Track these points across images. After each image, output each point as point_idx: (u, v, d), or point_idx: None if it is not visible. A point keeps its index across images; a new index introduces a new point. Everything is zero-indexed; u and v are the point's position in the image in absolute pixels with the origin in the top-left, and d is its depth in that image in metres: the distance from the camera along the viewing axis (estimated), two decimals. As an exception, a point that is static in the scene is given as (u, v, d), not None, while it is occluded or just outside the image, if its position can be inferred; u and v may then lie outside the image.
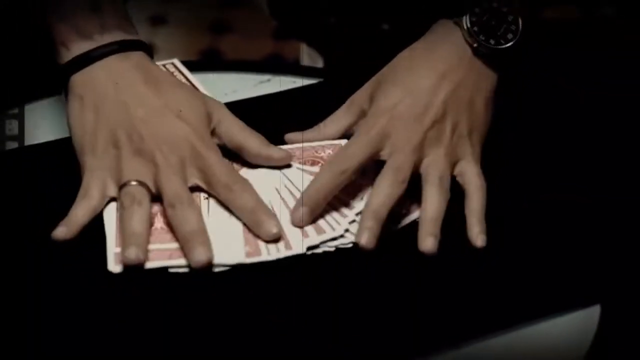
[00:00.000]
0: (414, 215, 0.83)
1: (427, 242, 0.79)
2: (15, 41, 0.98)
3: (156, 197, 0.81)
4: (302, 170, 0.86)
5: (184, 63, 0.97)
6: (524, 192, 0.85)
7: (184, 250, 0.78)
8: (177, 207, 0.79)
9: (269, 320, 0.75)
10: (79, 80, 0.85)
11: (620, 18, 1.25)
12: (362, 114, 0.88)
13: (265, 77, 0.99)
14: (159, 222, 0.81)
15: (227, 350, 0.73)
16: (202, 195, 0.83)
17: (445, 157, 0.84)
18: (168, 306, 0.76)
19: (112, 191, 0.81)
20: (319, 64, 1.23)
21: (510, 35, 0.87)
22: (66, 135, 0.86)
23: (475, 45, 0.87)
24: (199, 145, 0.82)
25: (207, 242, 0.78)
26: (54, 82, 0.87)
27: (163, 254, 0.78)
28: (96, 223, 0.81)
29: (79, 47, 0.85)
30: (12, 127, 0.92)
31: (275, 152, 0.86)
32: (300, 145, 0.88)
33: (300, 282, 0.78)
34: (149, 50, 0.88)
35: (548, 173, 0.89)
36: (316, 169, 0.86)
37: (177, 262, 0.78)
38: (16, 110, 0.94)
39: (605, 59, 1.04)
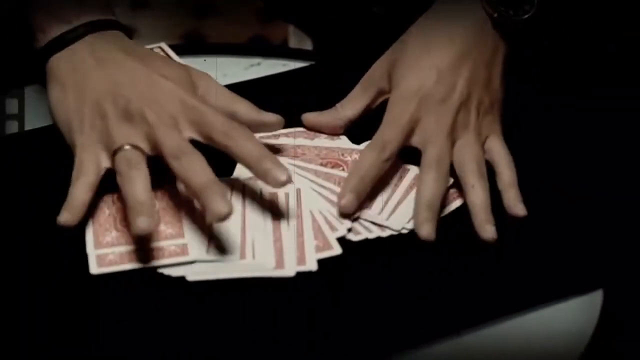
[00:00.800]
0: (455, 203, 0.82)
1: (487, 229, 0.78)
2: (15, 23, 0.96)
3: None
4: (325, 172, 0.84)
5: (172, 47, 0.95)
6: (527, 179, 0.83)
7: (201, 202, 0.74)
8: (181, 158, 0.76)
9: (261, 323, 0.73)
10: (57, 63, 0.83)
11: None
12: (380, 93, 0.87)
13: (256, 60, 0.97)
14: None
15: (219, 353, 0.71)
16: None
17: (476, 139, 0.83)
18: (158, 309, 0.74)
19: (106, 162, 0.78)
20: (307, 45, 1.21)
21: (527, 6, 0.86)
22: None
23: (495, 15, 0.85)
24: (188, 99, 0.80)
25: (223, 193, 0.74)
26: (34, 71, 0.85)
27: (145, 253, 0.76)
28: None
29: (55, 30, 0.84)
30: (12, 106, 0.91)
31: (267, 116, 0.84)
32: (325, 145, 0.86)
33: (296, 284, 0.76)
34: (127, 31, 0.87)
35: (551, 162, 0.87)
36: (339, 172, 0.84)
37: (164, 262, 0.75)
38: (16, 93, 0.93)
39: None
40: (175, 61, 0.87)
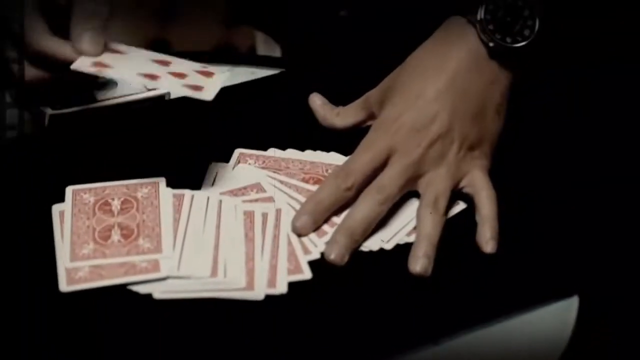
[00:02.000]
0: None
1: (419, 263, 0.76)
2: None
3: (115, 208, 0.78)
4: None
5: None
6: (503, 186, 0.83)
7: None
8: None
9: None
10: None
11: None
12: (370, 117, 0.86)
13: (224, 67, 0.96)
14: (115, 235, 0.77)
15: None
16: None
17: (446, 175, 0.80)
18: (126, 325, 0.72)
19: None
20: (276, 52, 1.20)
21: (527, 32, 0.82)
22: None
23: (491, 44, 0.82)
24: None
25: None
26: None
27: (119, 269, 0.75)
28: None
29: None
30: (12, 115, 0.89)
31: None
32: (310, 160, 0.85)
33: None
34: None
35: (528, 170, 0.86)
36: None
37: (134, 279, 0.74)
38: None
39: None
40: None
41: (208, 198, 0.80)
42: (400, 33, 1.03)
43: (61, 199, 0.79)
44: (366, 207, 0.78)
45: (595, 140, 0.90)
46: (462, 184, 0.82)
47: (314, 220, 0.78)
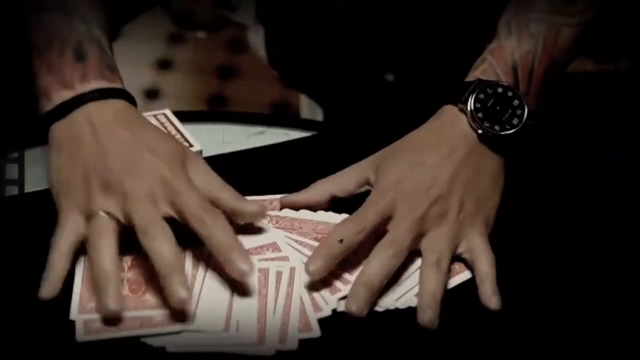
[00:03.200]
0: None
1: (426, 314, 0.78)
2: (16, 84, 0.98)
3: (125, 262, 0.80)
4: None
5: (178, 114, 0.96)
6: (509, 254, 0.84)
7: (162, 284, 0.76)
8: (149, 234, 0.77)
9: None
10: (58, 129, 0.84)
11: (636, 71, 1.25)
12: (365, 182, 0.87)
13: (259, 128, 0.98)
14: (124, 290, 0.78)
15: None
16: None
17: (446, 236, 0.82)
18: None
19: (85, 228, 0.80)
20: (319, 115, 1.22)
21: (515, 120, 0.86)
22: None
23: (480, 131, 0.85)
24: (169, 176, 0.80)
25: (183, 281, 0.76)
26: (39, 135, 0.86)
27: (134, 322, 0.76)
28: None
29: (60, 97, 0.84)
30: (12, 171, 0.92)
31: (248, 205, 0.83)
32: (322, 220, 0.86)
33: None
34: (132, 99, 0.88)
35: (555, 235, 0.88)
36: None
37: (149, 331, 0.76)
38: (16, 155, 0.93)
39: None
40: (171, 138, 0.87)
41: None
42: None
43: None
44: (380, 261, 0.80)
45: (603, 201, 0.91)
46: (460, 249, 0.83)
47: (327, 265, 0.80)
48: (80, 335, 0.75)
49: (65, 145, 0.83)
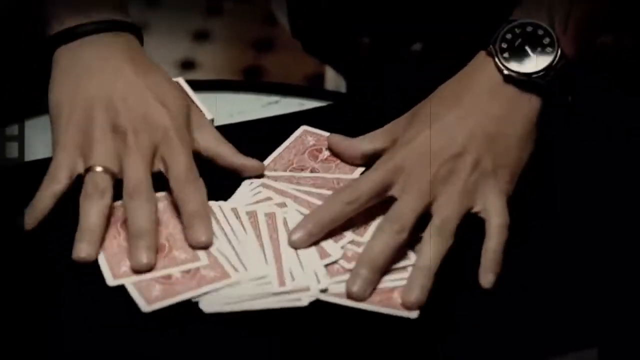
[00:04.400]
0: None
1: (413, 293, 0.75)
2: (15, 55, 0.99)
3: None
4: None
5: (191, 82, 0.95)
6: (527, 232, 0.81)
7: (130, 246, 0.77)
8: (134, 198, 0.79)
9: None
10: (65, 53, 0.85)
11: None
12: (393, 142, 0.85)
13: (274, 98, 0.97)
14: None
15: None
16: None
17: (458, 196, 0.79)
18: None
19: (81, 168, 0.81)
20: (343, 88, 1.21)
21: (545, 60, 0.81)
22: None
23: (505, 72, 0.81)
24: (170, 132, 0.82)
25: (150, 246, 0.77)
26: (41, 56, 0.87)
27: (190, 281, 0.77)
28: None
29: (71, 20, 0.85)
30: (11, 149, 0.91)
31: (248, 161, 0.85)
32: (316, 175, 0.86)
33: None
34: (140, 35, 0.88)
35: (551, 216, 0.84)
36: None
37: (207, 288, 0.76)
38: (16, 128, 0.93)
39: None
40: (178, 89, 0.88)
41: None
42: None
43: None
44: (384, 238, 0.77)
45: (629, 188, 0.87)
46: (476, 208, 0.80)
47: (310, 234, 0.79)
48: (144, 305, 0.75)
49: (70, 69, 0.84)
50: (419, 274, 0.76)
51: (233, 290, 0.76)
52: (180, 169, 0.81)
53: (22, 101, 0.94)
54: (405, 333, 0.75)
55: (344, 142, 0.87)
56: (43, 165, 0.83)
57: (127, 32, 0.87)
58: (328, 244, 0.79)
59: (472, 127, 0.81)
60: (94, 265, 0.78)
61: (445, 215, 0.78)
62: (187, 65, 2.00)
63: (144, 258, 0.77)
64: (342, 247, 0.79)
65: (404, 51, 1.17)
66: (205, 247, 0.78)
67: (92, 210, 0.78)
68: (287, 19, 1.20)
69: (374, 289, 0.76)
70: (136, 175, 0.80)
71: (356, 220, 0.81)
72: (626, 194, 0.86)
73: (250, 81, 0.92)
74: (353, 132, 0.89)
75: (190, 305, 0.75)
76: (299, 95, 0.97)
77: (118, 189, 0.81)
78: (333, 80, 1.23)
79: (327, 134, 0.89)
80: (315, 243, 0.79)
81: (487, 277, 0.77)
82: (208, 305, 0.75)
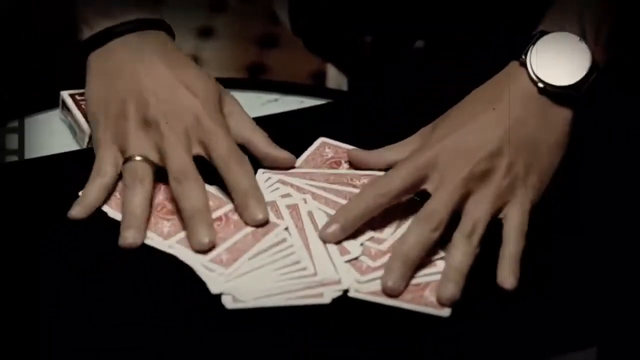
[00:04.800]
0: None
1: (448, 289, 0.75)
2: (15, 53, 0.99)
3: None
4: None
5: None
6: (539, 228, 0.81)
7: (187, 230, 0.79)
8: (182, 181, 0.80)
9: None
10: (97, 56, 0.87)
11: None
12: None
13: (273, 96, 0.97)
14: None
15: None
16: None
17: (490, 198, 0.79)
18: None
19: (121, 161, 0.83)
20: (345, 86, 1.21)
21: (578, 72, 0.81)
22: (66, 149, 0.88)
23: (540, 85, 0.81)
24: (202, 116, 0.83)
25: (209, 222, 0.79)
26: (76, 62, 0.88)
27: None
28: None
29: (100, 25, 0.87)
30: (12, 140, 0.92)
31: (281, 153, 0.86)
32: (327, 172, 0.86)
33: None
34: (170, 31, 0.90)
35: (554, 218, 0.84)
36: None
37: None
38: (16, 124, 0.93)
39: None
40: (208, 78, 0.88)
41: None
42: (467, 69, 1.02)
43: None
44: (418, 233, 0.77)
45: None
46: (502, 213, 0.80)
47: (342, 229, 0.79)
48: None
49: (103, 74, 0.86)
50: (452, 271, 0.76)
51: (260, 282, 0.76)
52: (223, 149, 0.82)
53: (22, 99, 0.95)
54: (409, 332, 0.75)
55: (366, 154, 0.86)
56: (43, 163, 0.84)
57: (155, 30, 0.88)
58: (348, 242, 0.79)
59: (504, 131, 0.80)
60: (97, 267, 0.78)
61: (477, 215, 0.78)
62: (191, 62, 2.00)
63: (205, 237, 0.78)
64: (362, 245, 0.79)
65: (406, 49, 1.16)
66: (262, 224, 0.79)
67: (135, 198, 0.80)
68: (288, 17, 1.19)
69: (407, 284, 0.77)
70: (178, 159, 0.81)
71: (375, 217, 0.81)
72: (625, 194, 0.86)
73: (249, 79, 0.91)
74: (352, 130, 0.89)
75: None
76: (299, 93, 0.97)
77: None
78: (335, 78, 1.22)
79: (346, 146, 0.88)
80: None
81: (509, 280, 0.77)
82: (233, 300, 0.75)
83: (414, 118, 0.87)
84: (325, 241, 0.79)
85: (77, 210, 0.81)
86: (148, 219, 0.80)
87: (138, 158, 0.82)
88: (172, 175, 0.81)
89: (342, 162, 0.87)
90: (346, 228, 0.79)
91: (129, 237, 0.78)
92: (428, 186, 0.80)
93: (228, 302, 0.75)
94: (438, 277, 0.77)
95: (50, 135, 0.92)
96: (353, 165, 0.87)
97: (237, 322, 0.74)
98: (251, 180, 0.81)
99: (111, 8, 0.87)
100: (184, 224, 0.79)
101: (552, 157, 0.82)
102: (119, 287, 0.77)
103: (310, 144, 0.89)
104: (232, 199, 0.82)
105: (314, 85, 1.12)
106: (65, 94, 0.93)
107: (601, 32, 0.83)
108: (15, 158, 0.91)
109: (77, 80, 0.89)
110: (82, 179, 0.84)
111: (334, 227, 0.79)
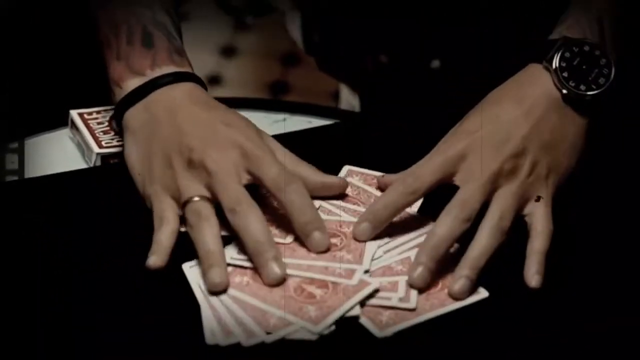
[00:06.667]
0: None
1: (459, 283, 0.76)
2: (17, 74, 1.00)
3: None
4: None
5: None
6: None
7: (255, 264, 0.77)
8: (237, 211, 0.78)
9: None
10: (132, 115, 0.86)
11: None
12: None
13: (281, 116, 0.97)
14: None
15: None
16: None
17: (515, 194, 0.80)
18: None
19: (178, 210, 0.81)
20: (357, 107, 1.21)
21: (602, 80, 0.84)
22: (65, 169, 0.88)
23: (564, 91, 0.83)
24: (247, 147, 0.81)
25: (276, 255, 0.77)
26: (115, 121, 0.88)
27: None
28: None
29: (131, 84, 0.86)
30: (12, 160, 0.92)
31: (335, 179, 0.85)
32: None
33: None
34: (201, 82, 0.89)
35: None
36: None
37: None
38: (16, 144, 0.94)
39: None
40: (245, 118, 0.86)
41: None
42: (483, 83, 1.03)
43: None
44: (449, 224, 0.78)
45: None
46: (525, 210, 0.81)
47: (374, 226, 0.79)
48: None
49: (140, 130, 0.85)
50: (469, 263, 0.77)
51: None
52: (273, 174, 0.80)
53: (23, 119, 0.95)
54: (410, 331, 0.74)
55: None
56: (42, 182, 0.84)
57: (186, 82, 0.87)
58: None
59: (527, 130, 0.82)
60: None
61: (504, 208, 0.79)
62: (213, 81, 2.01)
63: (277, 270, 0.76)
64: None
65: (423, 69, 1.16)
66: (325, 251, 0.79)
67: (207, 238, 0.78)
68: (300, 35, 1.19)
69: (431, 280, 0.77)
70: (230, 191, 0.79)
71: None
72: (626, 194, 0.87)
73: (258, 99, 0.91)
74: (361, 150, 0.89)
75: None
76: (307, 113, 0.97)
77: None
78: (347, 98, 1.22)
79: (373, 172, 0.88)
80: None
81: (535, 278, 0.77)
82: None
83: (428, 136, 0.86)
84: (357, 239, 0.79)
85: (154, 260, 0.78)
86: (224, 254, 0.78)
87: (196, 199, 0.80)
88: (227, 207, 0.79)
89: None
90: (377, 225, 0.80)
91: (215, 277, 0.76)
92: (457, 180, 0.81)
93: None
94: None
95: (51, 155, 0.93)
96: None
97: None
98: (307, 201, 0.80)
99: (139, 66, 0.86)
100: (250, 254, 0.78)
101: (570, 159, 0.84)
102: (123, 312, 0.77)
103: (317, 164, 0.87)
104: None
105: (322, 106, 1.11)
106: (74, 113, 0.94)
107: (619, 39, 0.85)
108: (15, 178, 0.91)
109: (84, 98, 0.90)
110: (90, 197, 0.84)
111: (364, 225, 0.79)
